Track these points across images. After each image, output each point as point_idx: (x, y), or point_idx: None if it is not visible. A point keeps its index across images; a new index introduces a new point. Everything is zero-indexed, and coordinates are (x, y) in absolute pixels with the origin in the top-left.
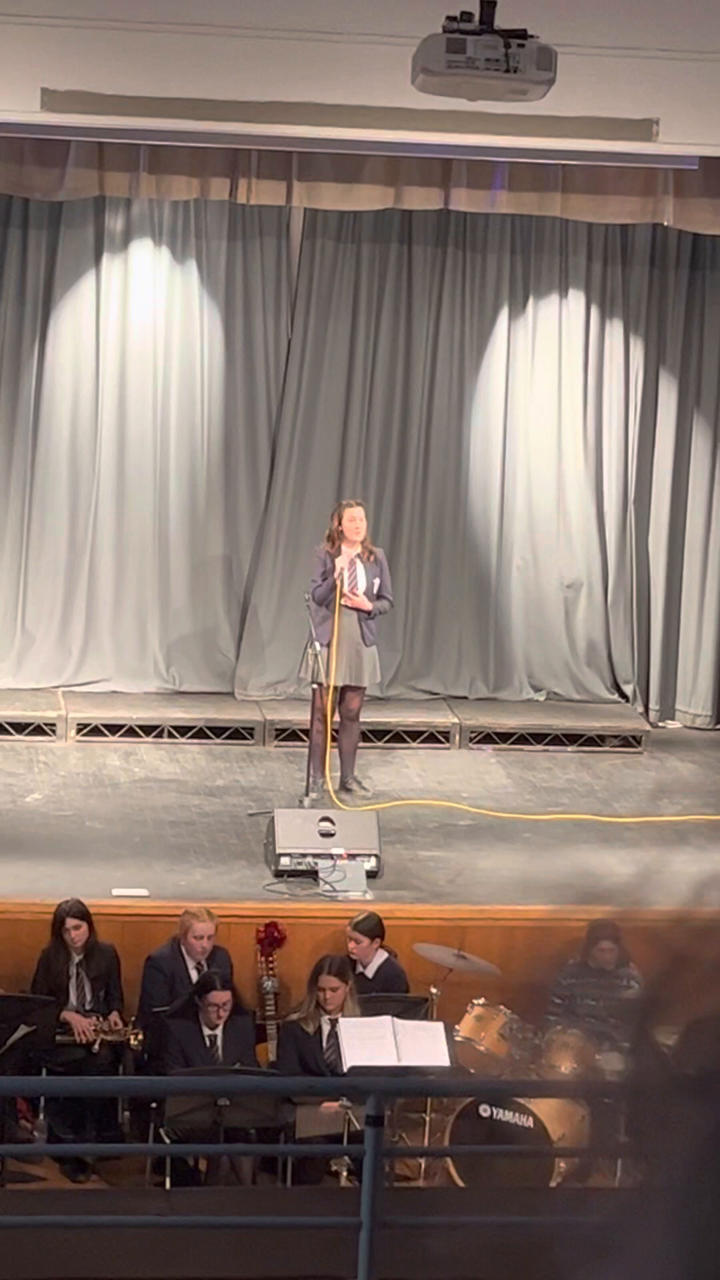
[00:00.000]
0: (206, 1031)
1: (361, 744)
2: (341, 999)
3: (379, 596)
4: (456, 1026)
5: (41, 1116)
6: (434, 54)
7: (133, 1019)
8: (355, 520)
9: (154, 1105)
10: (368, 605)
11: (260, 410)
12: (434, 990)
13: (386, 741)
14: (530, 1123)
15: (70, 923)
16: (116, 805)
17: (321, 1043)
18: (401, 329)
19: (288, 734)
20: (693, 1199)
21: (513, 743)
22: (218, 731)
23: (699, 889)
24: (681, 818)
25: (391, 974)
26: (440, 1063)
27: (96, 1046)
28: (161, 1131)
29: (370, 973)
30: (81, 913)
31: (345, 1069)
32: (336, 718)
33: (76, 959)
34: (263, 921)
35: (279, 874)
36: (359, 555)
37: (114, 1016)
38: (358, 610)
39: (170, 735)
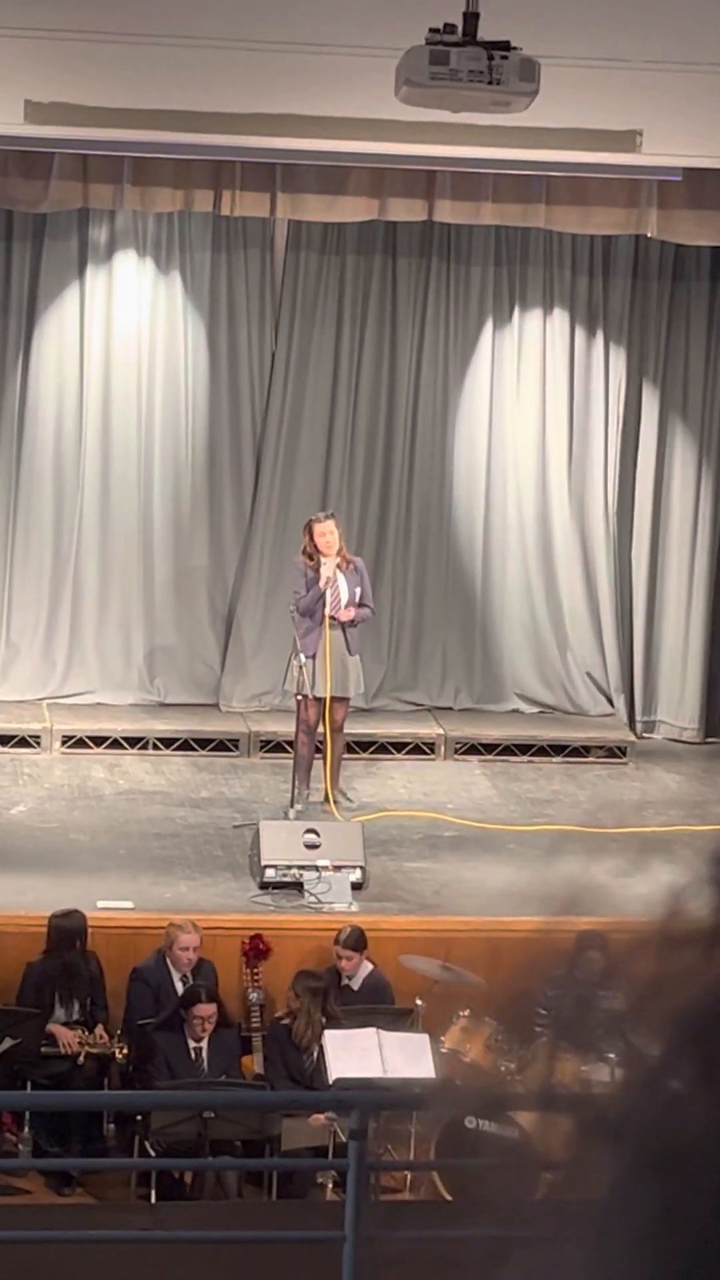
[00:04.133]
0: (192, 1044)
1: (346, 755)
2: (296, 1008)
3: (360, 605)
4: (442, 1038)
5: (26, 1130)
6: (417, 66)
7: (118, 1032)
8: (326, 535)
9: (139, 1118)
10: (351, 614)
11: (245, 422)
12: (420, 1002)
13: (371, 753)
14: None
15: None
16: (101, 817)
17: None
18: (386, 341)
19: (273, 745)
20: (604, 1250)
21: (498, 754)
22: (202, 743)
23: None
24: (665, 829)
25: (377, 986)
26: (426, 1074)
27: (81, 1059)
28: (147, 1144)
29: (356, 985)
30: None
31: (330, 1081)
32: (321, 729)
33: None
34: (248, 933)
35: (264, 886)
36: (338, 566)
37: (99, 1029)
38: (345, 620)
39: (155, 747)
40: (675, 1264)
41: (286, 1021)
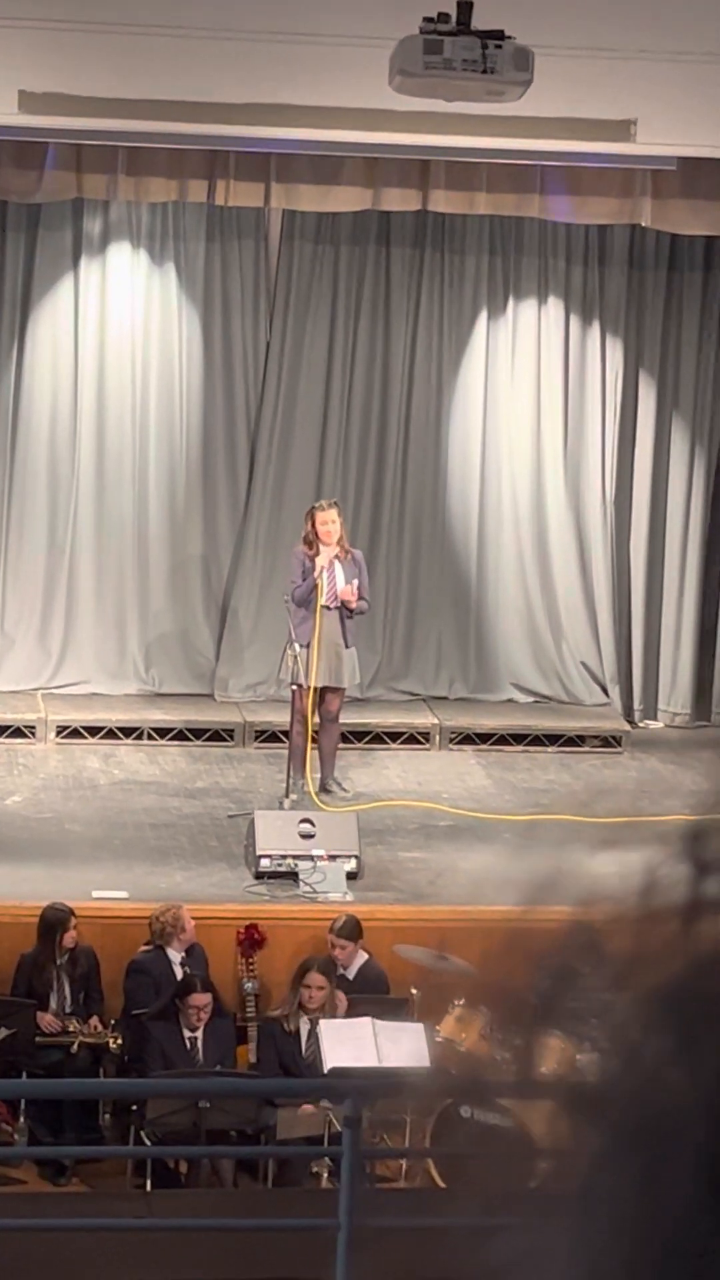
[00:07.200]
0: (187, 1034)
1: (341, 745)
2: (322, 999)
3: (358, 597)
4: (437, 1027)
5: (22, 1119)
6: (411, 55)
7: (113, 1022)
8: (328, 523)
9: (134, 1108)
10: (353, 599)
11: (239, 412)
12: (415, 991)
13: (366, 743)
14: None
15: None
16: (96, 808)
17: (300, 1042)
18: (380, 331)
19: (268, 735)
20: (586, 1226)
21: (492, 743)
22: (198, 733)
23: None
24: (660, 818)
25: (372, 975)
26: (421, 1064)
27: (75, 1048)
28: (142, 1134)
29: (351, 974)
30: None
31: (326, 1070)
32: (316, 719)
33: (60, 961)
34: (243, 923)
35: (259, 875)
36: (337, 556)
37: (93, 1020)
38: (344, 607)
39: (150, 737)
40: (657, 1238)
41: (292, 1030)
